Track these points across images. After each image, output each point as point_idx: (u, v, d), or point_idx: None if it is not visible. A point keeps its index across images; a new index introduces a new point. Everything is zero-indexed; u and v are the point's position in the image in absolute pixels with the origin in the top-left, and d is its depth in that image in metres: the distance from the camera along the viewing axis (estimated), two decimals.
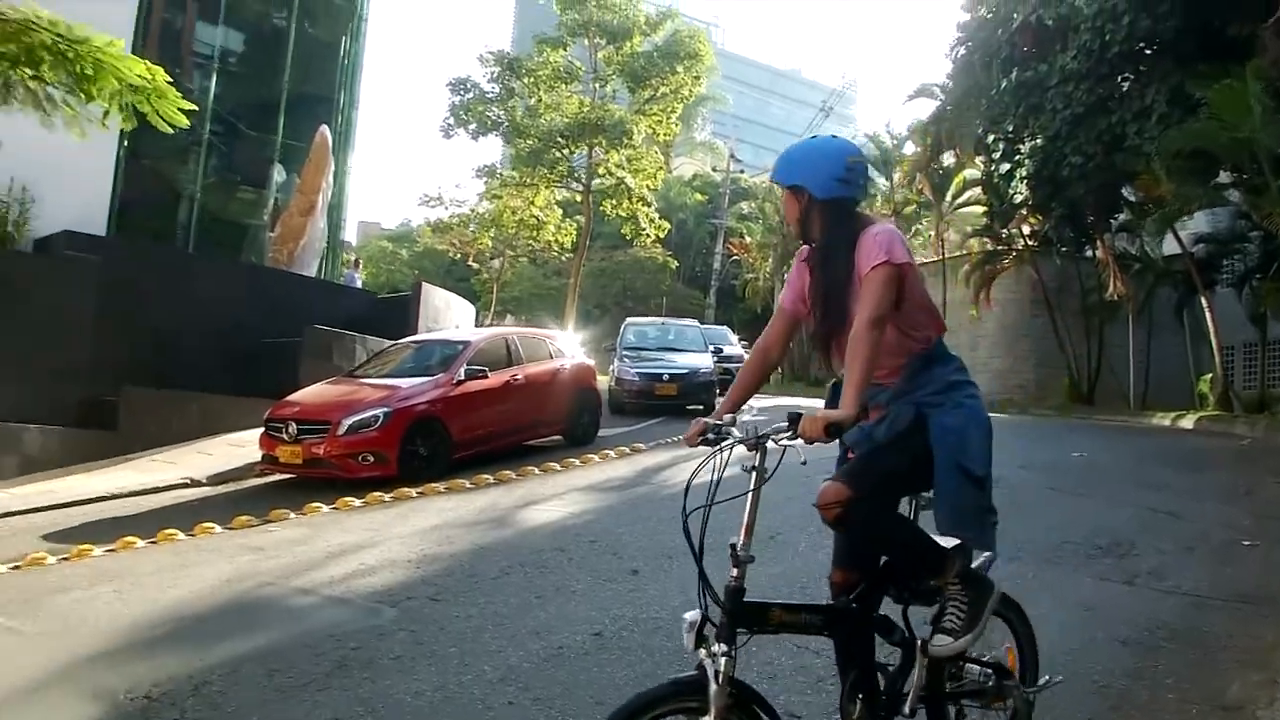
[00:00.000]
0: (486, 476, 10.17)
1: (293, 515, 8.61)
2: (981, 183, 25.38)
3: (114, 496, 10.25)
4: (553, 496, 9.30)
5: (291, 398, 11.07)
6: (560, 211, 32.96)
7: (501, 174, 32.04)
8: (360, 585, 6.06)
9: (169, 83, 9.91)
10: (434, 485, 9.74)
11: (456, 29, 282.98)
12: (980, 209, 26.84)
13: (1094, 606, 5.43)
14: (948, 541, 3.00)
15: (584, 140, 28.84)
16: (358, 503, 9.14)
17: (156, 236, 19.18)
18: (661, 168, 33.13)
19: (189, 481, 10.95)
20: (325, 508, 8.93)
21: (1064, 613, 5.23)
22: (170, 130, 10.42)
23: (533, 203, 31.79)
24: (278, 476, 10.93)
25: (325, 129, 19.02)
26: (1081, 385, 23.14)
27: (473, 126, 29.44)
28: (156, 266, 16.27)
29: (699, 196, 49.21)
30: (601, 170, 29.63)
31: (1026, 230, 24.25)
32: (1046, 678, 3.33)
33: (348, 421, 9.96)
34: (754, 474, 2.74)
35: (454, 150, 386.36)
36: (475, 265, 42.27)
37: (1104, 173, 18.12)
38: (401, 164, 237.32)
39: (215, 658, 4.72)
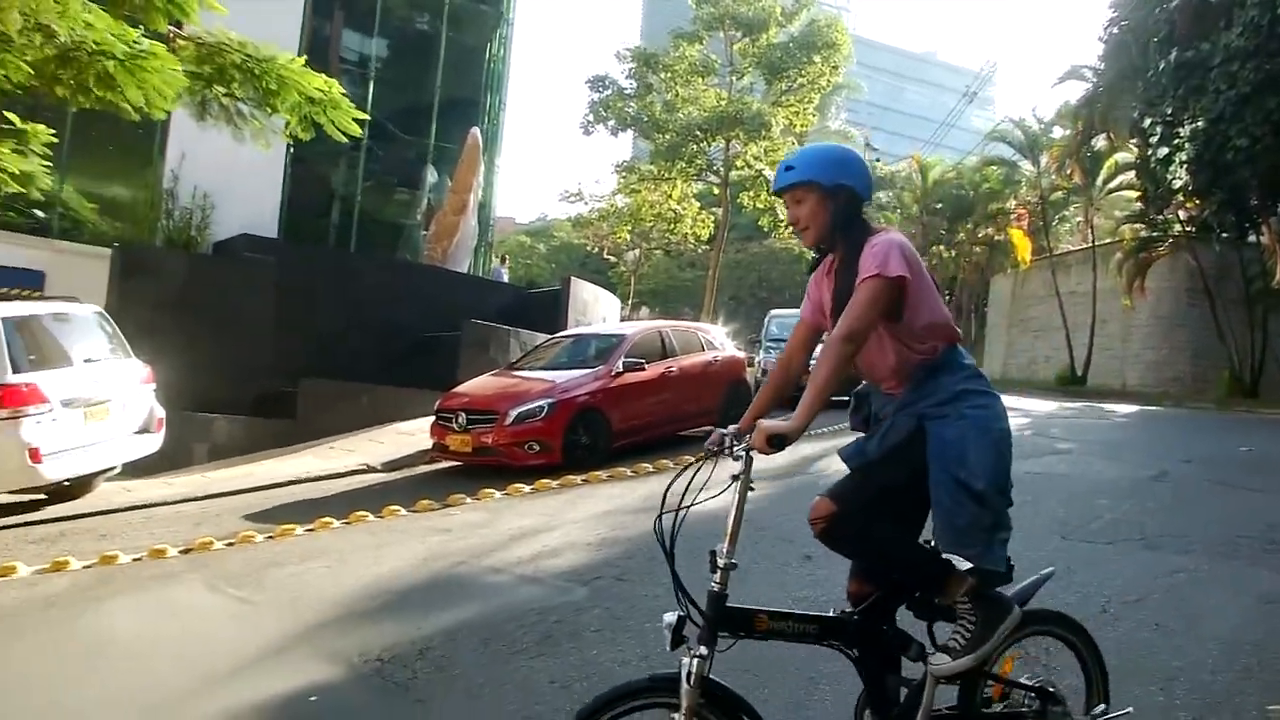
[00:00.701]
0: (645, 465, 10.51)
1: (469, 500, 9.11)
2: (1135, 167, 24.59)
3: (301, 480, 11.01)
4: (713, 485, 9.57)
5: (459, 389, 11.64)
6: (697, 204, 33.27)
7: (639, 168, 32.49)
8: (548, 566, 6.46)
9: (342, 94, 10.57)
10: (597, 473, 10.13)
11: (586, 26, 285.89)
12: (1133, 194, 25.98)
13: (1275, 600, 5.40)
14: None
15: (721, 133, 29.07)
16: (527, 489, 9.58)
17: (318, 238, 20.25)
18: None
19: (366, 468, 11.66)
20: (497, 493, 9.40)
21: (1243, 606, 5.23)
22: (344, 139, 11.09)
23: (670, 196, 32.20)
24: (447, 464, 11.52)
25: (476, 131, 19.76)
26: (1244, 377, 22.24)
27: (611, 123, 29.98)
28: (322, 266, 17.28)
29: None
30: (739, 163, 29.81)
31: (1183, 216, 23.39)
32: (1104, 708, 3.16)
33: (515, 412, 10.45)
34: (739, 483, 2.77)
35: (589, 147, 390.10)
36: (612, 258, 42.98)
37: (1273, 155, 17.37)
38: (534, 160, 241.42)
39: (431, 627, 5.17)
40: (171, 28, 9.28)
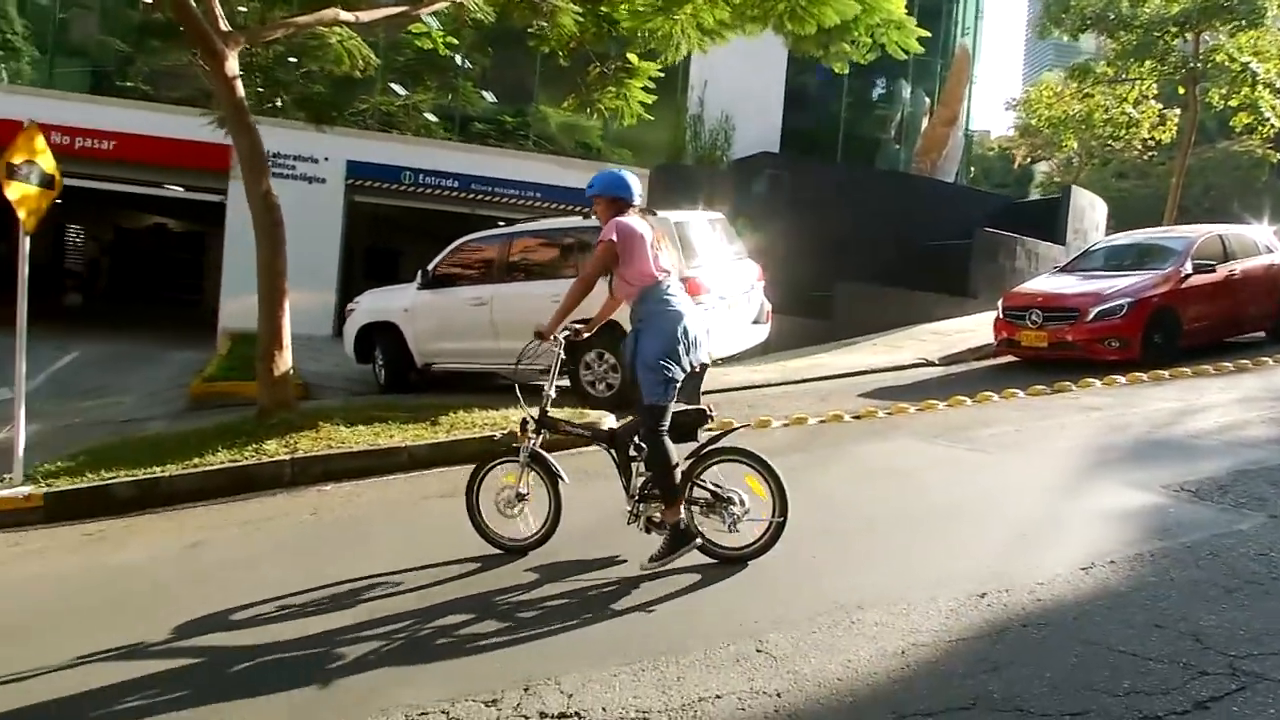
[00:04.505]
0: (1225, 364, 10.63)
1: (1073, 388, 9.82)
2: None
3: (874, 371, 12.27)
4: None
5: (1023, 289, 12.33)
6: (1158, 106, 31.23)
7: (1095, 70, 30.94)
8: (1245, 435, 7.10)
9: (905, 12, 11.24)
10: (1182, 369, 10.44)
11: None
12: None
13: None
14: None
15: (1201, 25, 26.99)
16: (1098, 384, 10.08)
17: (810, 153, 21.54)
18: None
19: (924, 361, 12.71)
20: (1072, 386, 9.97)
21: None
22: (904, 57, 11.87)
23: (1125, 99, 30.48)
24: (1006, 359, 12.29)
25: (966, 43, 20.09)
26: None
27: (1069, 23, 28.70)
28: (830, 180, 18.45)
29: None
30: (1220, 56, 27.58)
31: None
32: (783, 520, 4.73)
33: (1096, 309, 10.99)
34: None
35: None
36: (1045, 169, 41.43)
37: None
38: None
39: (1204, 472, 6.00)
40: None
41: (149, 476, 7.78)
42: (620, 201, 5.12)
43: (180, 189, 19.87)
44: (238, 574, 5.34)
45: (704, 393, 11.19)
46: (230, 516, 7.05)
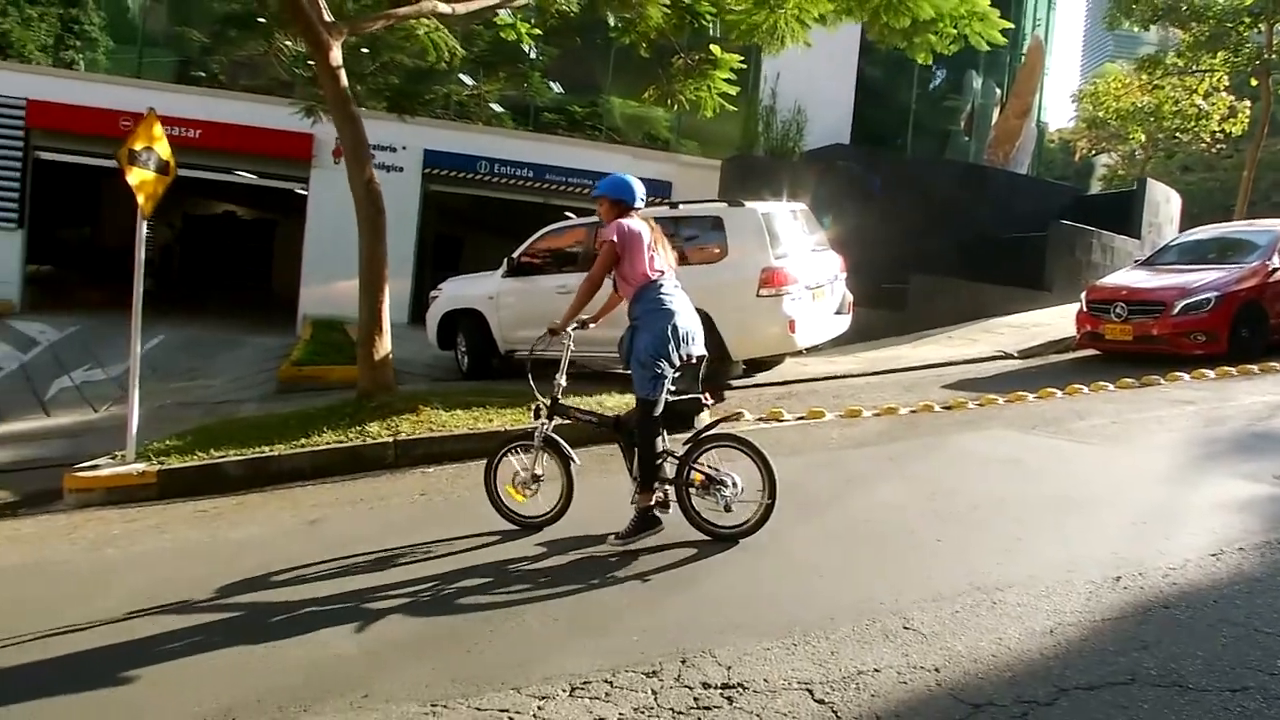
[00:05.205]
0: None
1: (1162, 381, 9.78)
2: None
3: (953, 363, 12.25)
4: None
5: (1106, 282, 12.27)
6: (1229, 98, 30.69)
7: (1164, 62, 30.48)
8: None
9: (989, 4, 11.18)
10: (1270, 364, 10.35)
11: None
12: None
13: None
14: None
15: (1275, 16, 26.49)
16: (1186, 378, 9.99)
17: (880, 144, 21.48)
18: None
19: (1003, 354, 12.68)
20: (1161, 379, 9.92)
21: None
22: (986, 49, 11.82)
23: (1195, 91, 30.02)
24: (1081, 353, 12.24)
25: (1040, 34, 19.89)
26: None
27: (1140, 14, 28.28)
28: (901, 171, 18.41)
29: None
30: None
31: None
32: (770, 502, 5.04)
33: (1182, 303, 10.92)
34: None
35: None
36: (1106, 162, 40.87)
37: None
38: None
39: None
40: None
41: (258, 455, 8.05)
42: (622, 204, 5.50)
43: (252, 176, 20.23)
44: (365, 549, 5.53)
45: (784, 383, 11.43)
46: (340, 495, 7.28)
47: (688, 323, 5.30)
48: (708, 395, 5.42)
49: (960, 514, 5.43)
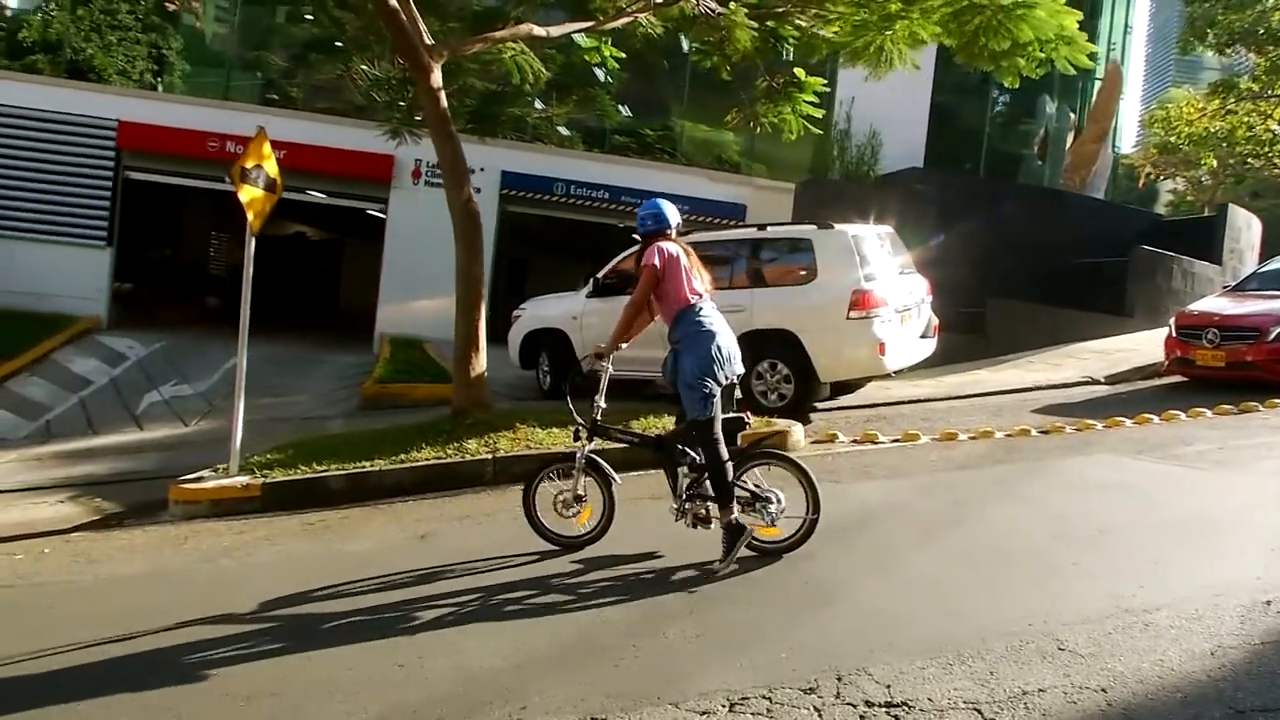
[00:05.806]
0: None
1: (1260, 408, 9.61)
2: None
3: (1040, 388, 12.10)
4: None
5: (1197, 308, 12.07)
6: None
7: (1240, 86, 29.99)
8: None
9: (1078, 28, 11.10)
10: None
11: None
12: None
13: None
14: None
15: None
16: None
17: (954, 167, 21.36)
18: None
19: (1090, 379, 12.50)
20: (1259, 406, 9.74)
21: None
22: (1073, 73, 11.72)
23: (1270, 116, 29.49)
24: (1170, 379, 12.03)
25: (1117, 59, 19.67)
26: None
27: (1215, 39, 27.85)
28: (977, 195, 18.25)
29: None
30: None
31: None
32: (816, 516, 5.14)
33: (1277, 330, 10.72)
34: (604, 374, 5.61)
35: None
36: (1173, 187, 40.28)
37: None
38: None
39: None
40: None
41: (359, 470, 8.16)
42: (661, 229, 5.60)
43: (323, 196, 20.53)
44: (480, 562, 5.59)
45: (870, 405, 11.36)
46: (444, 511, 7.36)
47: (728, 342, 5.39)
48: (748, 414, 5.56)
49: (1087, 537, 5.37)
